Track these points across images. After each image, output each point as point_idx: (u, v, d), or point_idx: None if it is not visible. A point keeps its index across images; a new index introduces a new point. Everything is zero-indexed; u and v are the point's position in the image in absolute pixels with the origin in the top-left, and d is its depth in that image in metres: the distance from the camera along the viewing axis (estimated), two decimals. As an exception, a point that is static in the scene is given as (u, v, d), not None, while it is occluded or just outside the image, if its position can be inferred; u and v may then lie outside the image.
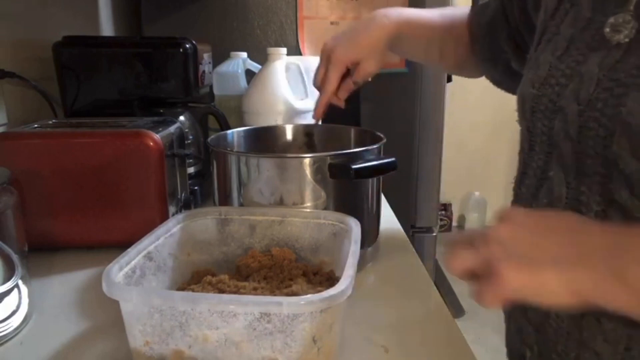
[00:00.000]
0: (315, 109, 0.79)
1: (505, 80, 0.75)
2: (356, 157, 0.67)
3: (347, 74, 0.77)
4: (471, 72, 0.85)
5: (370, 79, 0.78)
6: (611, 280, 0.36)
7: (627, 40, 0.45)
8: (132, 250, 0.52)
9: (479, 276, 0.40)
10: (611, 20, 0.47)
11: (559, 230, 0.40)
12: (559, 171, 0.49)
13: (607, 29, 0.47)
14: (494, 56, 0.74)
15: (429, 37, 0.79)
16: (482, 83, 0.85)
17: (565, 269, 0.37)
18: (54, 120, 0.88)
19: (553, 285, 0.37)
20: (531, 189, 0.54)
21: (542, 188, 0.53)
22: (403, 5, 1.44)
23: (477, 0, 0.77)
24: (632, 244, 0.37)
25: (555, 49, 0.52)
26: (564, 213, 0.43)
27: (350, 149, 0.72)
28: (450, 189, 3.36)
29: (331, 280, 0.59)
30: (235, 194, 0.70)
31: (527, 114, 0.54)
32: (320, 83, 0.77)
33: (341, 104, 0.78)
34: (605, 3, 0.48)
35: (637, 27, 0.45)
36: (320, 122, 0.81)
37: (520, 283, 0.38)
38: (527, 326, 0.55)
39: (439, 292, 0.68)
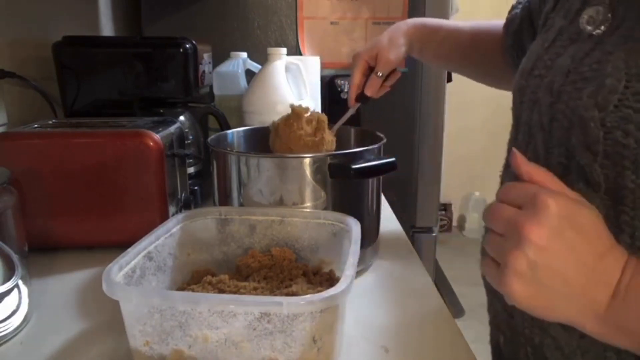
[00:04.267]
0: (349, 100, 0.85)
1: None
2: (356, 157, 0.67)
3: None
4: (505, 84, 0.83)
5: (398, 75, 0.84)
6: (611, 330, 0.39)
7: (599, 32, 0.46)
8: (132, 250, 0.52)
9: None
10: (588, 11, 0.47)
11: (584, 245, 0.38)
12: (533, 161, 0.50)
13: (583, 20, 0.47)
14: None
15: (450, 41, 0.82)
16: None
17: (566, 311, 0.39)
18: (54, 120, 0.88)
19: (553, 316, 0.40)
20: (512, 177, 0.56)
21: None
22: (403, 4, 1.44)
23: (512, 9, 0.79)
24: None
25: (545, 40, 0.53)
26: (590, 210, 0.40)
27: (350, 149, 0.72)
28: (450, 189, 3.36)
29: (331, 280, 0.59)
30: (235, 194, 0.70)
31: (517, 104, 0.56)
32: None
33: (372, 95, 0.83)
34: None
35: (610, 20, 0.45)
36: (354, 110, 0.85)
37: (522, 299, 0.38)
38: (502, 312, 0.57)
39: (439, 292, 0.68)
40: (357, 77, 0.82)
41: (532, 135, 0.52)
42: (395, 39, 0.81)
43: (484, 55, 0.81)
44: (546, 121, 0.49)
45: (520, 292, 0.38)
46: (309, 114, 0.75)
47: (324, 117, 0.76)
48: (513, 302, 0.39)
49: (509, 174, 0.57)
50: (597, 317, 0.38)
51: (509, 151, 0.58)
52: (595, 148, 0.43)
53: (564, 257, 0.37)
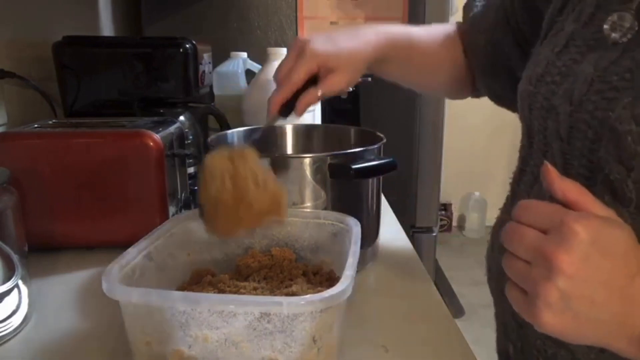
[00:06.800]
0: (271, 105, 0.65)
1: (507, 93, 0.69)
2: (356, 157, 0.67)
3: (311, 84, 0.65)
4: (464, 92, 0.79)
5: (340, 95, 0.69)
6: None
7: (624, 40, 0.45)
8: (132, 250, 0.52)
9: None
10: (612, 17, 0.46)
11: (614, 268, 0.37)
12: None
13: (607, 26, 0.46)
14: (495, 65, 0.71)
15: (418, 57, 0.73)
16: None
17: (597, 335, 0.38)
18: (54, 120, 0.88)
19: (584, 341, 0.38)
20: (527, 186, 0.54)
21: (535, 186, 0.53)
22: (403, 4, 1.44)
23: (470, 8, 0.73)
24: None
25: (555, 45, 0.51)
26: (621, 230, 0.37)
27: (350, 149, 0.72)
28: (450, 189, 3.36)
29: (331, 280, 0.59)
30: (235, 194, 0.70)
31: (526, 112, 0.54)
32: (282, 77, 0.64)
33: (300, 114, 0.65)
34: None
35: (637, 27, 0.44)
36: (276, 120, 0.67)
37: (554, 329, 0.37)
38: (511, 322, 0.56)
39: (439, 292, 0.68)
40: (300, 77, 0.62)
41: (548, 144, 0.50)
42: (358, 56, 0.65)
43: (447, 64, 0.75)
44: (564, 130, 0.47)
45: (552, 322, 0.37)
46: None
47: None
48: (543, 330, 0.38)
49: (525, 182, 0.55)
50: (630, 338, 0.37)
51: (522, 159, 0.56)
52: (630, 163, 0.41)
53: (594, 283, 0.36)
